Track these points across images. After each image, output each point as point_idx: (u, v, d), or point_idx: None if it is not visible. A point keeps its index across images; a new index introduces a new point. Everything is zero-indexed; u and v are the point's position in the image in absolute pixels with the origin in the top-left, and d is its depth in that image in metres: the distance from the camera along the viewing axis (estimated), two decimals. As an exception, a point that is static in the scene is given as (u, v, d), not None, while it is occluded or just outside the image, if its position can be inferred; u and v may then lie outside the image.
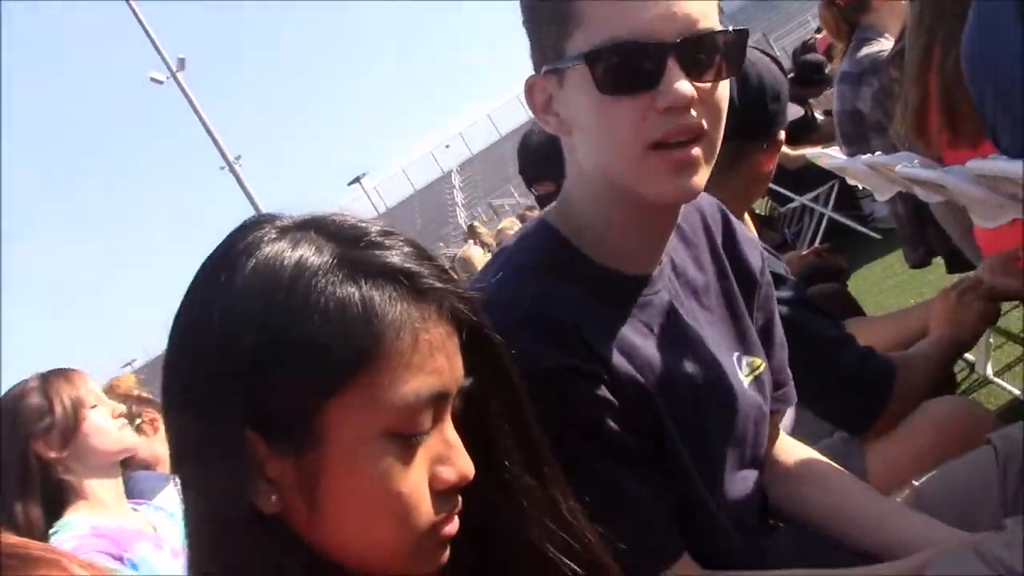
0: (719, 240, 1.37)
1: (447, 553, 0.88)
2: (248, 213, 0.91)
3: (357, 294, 0.81)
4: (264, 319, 0.80)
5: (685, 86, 1.07)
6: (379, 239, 0.86)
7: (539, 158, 2.54)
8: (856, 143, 3.46)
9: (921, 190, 2.83)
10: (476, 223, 11.53)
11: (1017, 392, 3.13)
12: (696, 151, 1.10)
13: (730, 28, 1.12)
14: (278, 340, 0.79)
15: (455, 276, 0.90)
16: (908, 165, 2.56)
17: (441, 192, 53.66)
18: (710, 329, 1.30)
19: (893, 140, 3.30)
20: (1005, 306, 2.46)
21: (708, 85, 1.10)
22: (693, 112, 1.09)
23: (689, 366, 1.22)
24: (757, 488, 1.34)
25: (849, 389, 1.63)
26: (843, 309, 2.71)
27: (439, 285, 0.86)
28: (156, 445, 2.86)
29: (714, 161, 1.14)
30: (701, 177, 1.12)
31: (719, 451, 1.25)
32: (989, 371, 3.36)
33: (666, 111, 1.08)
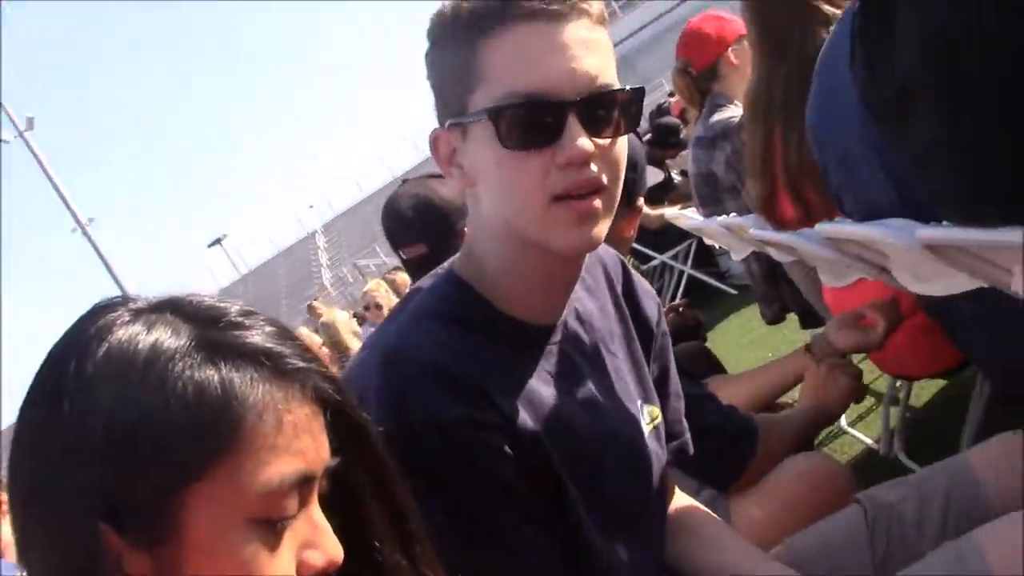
0: (619, 290, 1.39)
1: None
2: (103, 277, 0.88)
3: (216, 377, 0.78)
4: (117, 407, 0.76)
5: (585, 142, 1.10)
6: (239, 319, 0.84)
7: (408, 220, 2.53)
8: (712, 204, 3.58)
9: (774, 250, 2.95)
10: (316, 303, 11.15)
11: (870, 442, 3.25)
12: (597, 203, 1.12)
13: (627, 87, 1.15)
14: (132, 429, 0.76)
15: (317, 356, 0.88)
16: (760, 228, 2.67)
17: (306, 252, 53.03)
18: (616, 377, 1.32)
19: (746, 202, 3.44)
20: (856, 358, 2.56)
21: (607, 141, 1.13)
22: (593, 167, 1.12)
23: (592, 418, 1.23)
24: (659, 542, 1.34)
25: (714, 444, 1.67)
26: (706, 368, 2.79)
27: (302, 365, 0.84)
28: (5, 528, 2.70)
29: (613, 213, 1.17)
30: (602, 228, 1.15)
31: (620, 505, 1.25)
32: (843, 422, 3.51)
33: (566, 166, 1.10)
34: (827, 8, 2.27)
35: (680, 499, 1.48)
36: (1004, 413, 2.75)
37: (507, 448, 1.12)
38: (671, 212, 4.30)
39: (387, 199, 2.66)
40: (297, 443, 0.81)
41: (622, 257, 1.46)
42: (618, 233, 1.94)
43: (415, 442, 1.07)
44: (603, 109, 1.12)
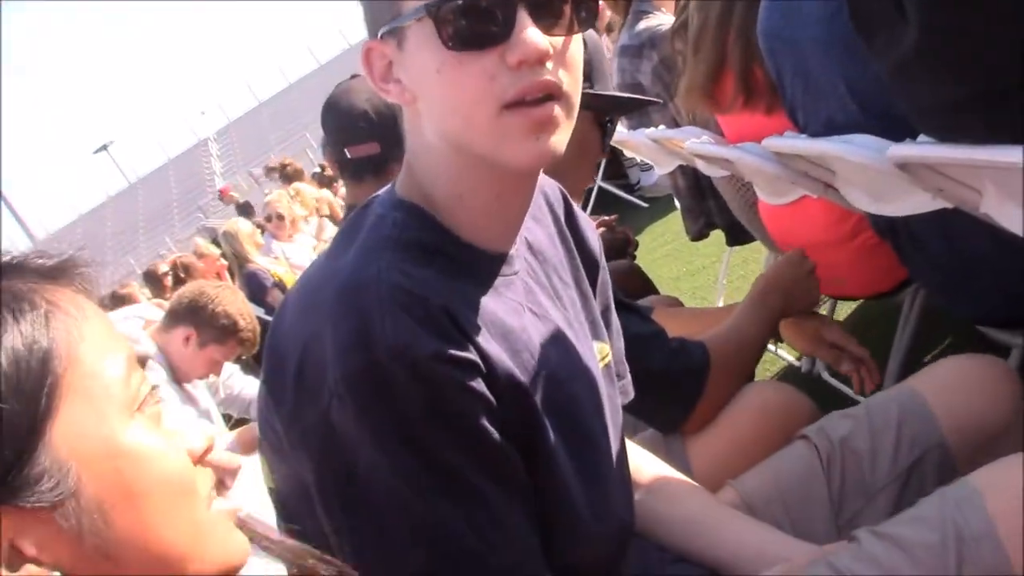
0: (563, 220, 1.27)
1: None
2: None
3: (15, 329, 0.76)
4: None
5: (538, 36, 0.97)
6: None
7: (362, 115, 2.34)
8: (637, 116, 3.47)
9: (704, 164, 2.86)
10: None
11: (792, 359, 3.24)
12: (554, 109, 0.99)
13: None
14: None
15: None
16: (697, 141, 2.57)
17: (198, 160, 51.53)
18: (572, 311, 1.20)
19: (673, 114, 3.34)
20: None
21: (562, 39, 1.00)
22: (548, 68, 0.98)
23: (564, 354, 1.11)
24: (627, 494, 1.24)
25: (658, 388, 1.57)
26: (640, 287, 2.70)
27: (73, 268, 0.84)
28: None
29: (573, 123, 1.03)
30: (561, 138, 1.01)
31: (592, 451, 1.14)
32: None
33: (519, 65, 0.97)
34: None
35: (636, 452, 1.39)
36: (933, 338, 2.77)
37: (486, 390, 0.99)
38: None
39: (332, 94, 2.45)
40: (107, 335, 0.82)
41: (561, 187, 1.33)
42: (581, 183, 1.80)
43: (382, 384, 0.94)
44: (556, 3, 1.00)
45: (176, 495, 0.79)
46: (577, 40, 1.03)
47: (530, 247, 1.18)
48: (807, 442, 1.41)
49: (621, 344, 1.36)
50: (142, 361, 0.83)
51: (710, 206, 3.39)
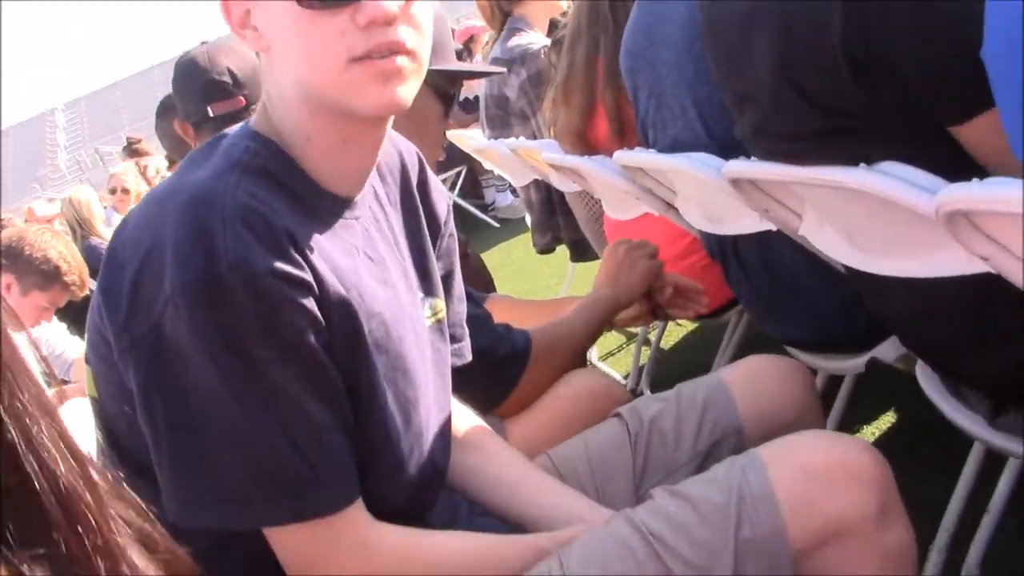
0: (414, 181, 1.33)
1: None
2: None
3: None
4: None
5: (389, 2, 1.03)
6: None
7: (224, 70, 2.35)
8: (500, 128, 3.57)
9: (557, 178, 2.98)
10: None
11: (619, 377, 3.39)
12: (402, 61, 1.05)
13: None
14: None
15: None
16: (552, 152, 2.69)
17: (41, 130, 49.12)
18: (407, 264, 1.26)
19: (535, 129, 3.46)
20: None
21: (411, 2, 1.06)
22: (398, 28, 1.04)
23: (389, 298, 1.16)
24: (445, 445, 1.30)
25: (480, 368, 1.64)
26: (482, 284, 2.78)
27: None
28: None
29: (421, 80, 1.10)
30: (408, 89, 1.07)
31: (415, 394, 1.20)
32: (595, 358, 3.63)
33: (368, 25, 1.03)
34: None
35: (460, 411, 1.46)
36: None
37: (317, 312, 1.04)
38: (453, 132, 4.26)
39: (187, 57, 2.45)
40: None
41: (419, 151, 1.40)
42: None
43: (217, 295, 0.97)
44: None
45: None
46: (426, 5, 1.09)
47: (376, 197, 1.24)
48: (620, 419, 1.50)
49: (463, 309, 1.43)
50: None
51: (559, 221, 3.52)
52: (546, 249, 3.73)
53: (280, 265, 1.01)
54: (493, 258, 6.17)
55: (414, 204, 1.32)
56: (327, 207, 1.14)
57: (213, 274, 0.97)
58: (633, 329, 3.68)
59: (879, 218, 1.35)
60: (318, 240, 1.09)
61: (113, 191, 7.18)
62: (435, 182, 1.38)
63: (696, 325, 3.56)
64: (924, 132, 1.25)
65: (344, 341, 1.08)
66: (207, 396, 1.00)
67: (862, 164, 1.26)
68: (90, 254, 5.95)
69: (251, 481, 1.02)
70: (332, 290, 1.06)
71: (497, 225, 7.09)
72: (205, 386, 1.00)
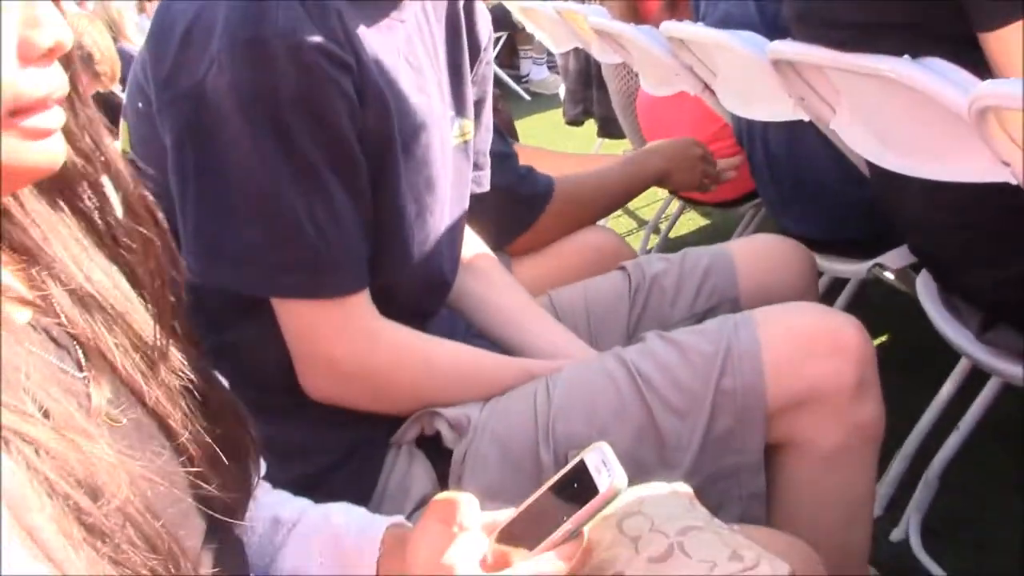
0: (461, 2, 1.34)
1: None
2: None
3: None
4: None
5: None
6: None
7: None
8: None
9: (599, 47, 2.95)
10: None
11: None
12: None
13: None
14: None
15: None
16: (599, 16, 2.66)
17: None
18: (439, 78, 1.27)
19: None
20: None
21: None
22: None
23: (422, 105, 1.18)
24: (455, 256, 1.34)
25: (496, 203, 1.66)
26: (507, 128, 2.78)
27: None
28: None
29: None
30: None
31: (432, 201, 1.23)
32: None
33: None
34: None
35: (469, 237, 1.49)
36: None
37: (354, 93, 1.06)
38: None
39: None
40: None
41: None
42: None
43: (262, 59, 0.99)
44: None
45: None
46: None
47: (424, 9, 1.24)
48: (623, 272, 1.54)
49: (489, 139, 1.45)
50: None
51: (592, 94, 3.50)
52: (575, 120, 3.71)
53: (326, 43, 1.02)
54: (520, 129, 6.14)
55: (458, 24, 1.33)
56: (377, 2, 1.15)
57: (261, 38, 0.99)
58: (643, 216, 3.71)
59: (912, 115, 1.36)
60: (365, 31, 1.10)
61: (148, -2, 7.07)
62: (481, 8, 1.39)
63: (707, 221, 3.58)
64: (965, 37, 1.25)
65: (375, 133, 1.10)
66: (239, 158, 1.03)
67: (906, 56, 1.26)
68: (119, 58, 5.89)
69: (268, 248, 1.06)
70: (371, 79, 1.08)
71: (528, 98, 7.00)
72: (238, 148, 1.02)
